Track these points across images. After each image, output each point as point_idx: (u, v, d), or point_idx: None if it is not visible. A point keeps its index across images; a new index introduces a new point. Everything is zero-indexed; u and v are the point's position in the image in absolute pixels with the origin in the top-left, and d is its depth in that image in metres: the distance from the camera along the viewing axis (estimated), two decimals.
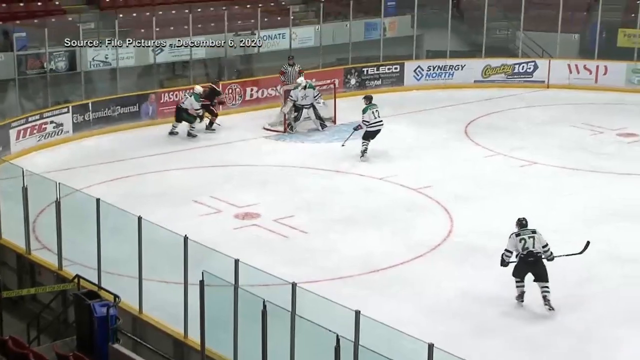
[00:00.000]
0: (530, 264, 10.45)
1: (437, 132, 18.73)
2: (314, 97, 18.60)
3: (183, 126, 18.37)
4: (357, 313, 7.38)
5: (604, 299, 10.89)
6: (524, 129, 19.02)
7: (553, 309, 10.40)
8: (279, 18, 22.81)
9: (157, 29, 19.71)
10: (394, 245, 12.53)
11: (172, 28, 20.56)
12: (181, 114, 18.30)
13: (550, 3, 24.83)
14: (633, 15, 23.39)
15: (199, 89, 18.54)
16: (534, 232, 10.50)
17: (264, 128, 19.01)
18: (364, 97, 16.98)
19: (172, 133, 18.40)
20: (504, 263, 10.64)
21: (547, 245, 10.53)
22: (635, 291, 11.12)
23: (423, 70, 23.07)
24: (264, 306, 7.88)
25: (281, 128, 18.78)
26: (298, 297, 7.83)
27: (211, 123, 18.84)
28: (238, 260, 8.28)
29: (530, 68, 23.18)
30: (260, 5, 22.20)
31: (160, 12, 21.35)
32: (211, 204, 14.12)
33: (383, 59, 22.83)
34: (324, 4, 22.59)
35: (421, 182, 15.14)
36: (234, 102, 20.44)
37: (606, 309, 10.64)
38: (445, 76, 23.15)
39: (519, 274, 10.61)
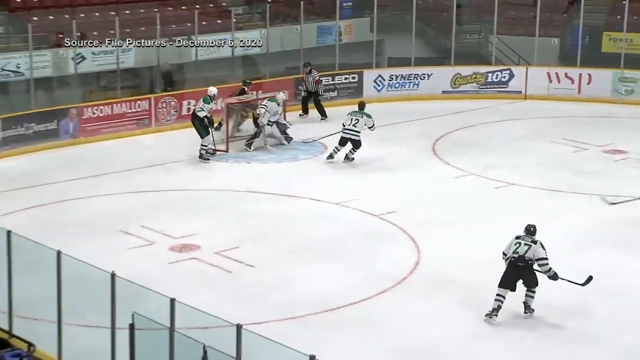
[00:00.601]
0: (519, 269, 10.97)
1: (401, 149, 18.89)
2: (274, 113, 18.70)
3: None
4: (312, 358, 7.38)
5: (593, 332, 11.06)
6: (499, 146, 19.28)
7: (531, 311, 11.18)
8: (219, 21, 22.87)
9: (78, 34, 19.63)
10: (354, 279, 12.55)
11: (95, 33, 20.47)
12: (194, 122, 18.20)
13: (526, 4, 25.30)
14: (619, 17, 23.83)
15: (212, 90, 18.45)
16: (534, 242, 11.04)
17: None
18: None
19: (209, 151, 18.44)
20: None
21: (543, 259, 10.99)
22: (623, 324, 11.30)
23: (384, 79, 23.29)
24: (205, 352, 7.85)
25: (224, 147, 18.78)
26: (244, 340, 7.81)
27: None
28: (174, 299, 8.24)
29: (505, 77, 23.54)
30: (197, 6, 22.23)
31: (82, 15, 21.28)
32: (142, 234, 14.03)
33: (339, 67, 23.01)
34: (271, 6, 22.71)
35: (384, 207, 15.24)
36: (168, 118, 20.39)
37: (595, 342, 10.81)
38: (409, 86, 23.40)
39: (505, 283, 11.02)
